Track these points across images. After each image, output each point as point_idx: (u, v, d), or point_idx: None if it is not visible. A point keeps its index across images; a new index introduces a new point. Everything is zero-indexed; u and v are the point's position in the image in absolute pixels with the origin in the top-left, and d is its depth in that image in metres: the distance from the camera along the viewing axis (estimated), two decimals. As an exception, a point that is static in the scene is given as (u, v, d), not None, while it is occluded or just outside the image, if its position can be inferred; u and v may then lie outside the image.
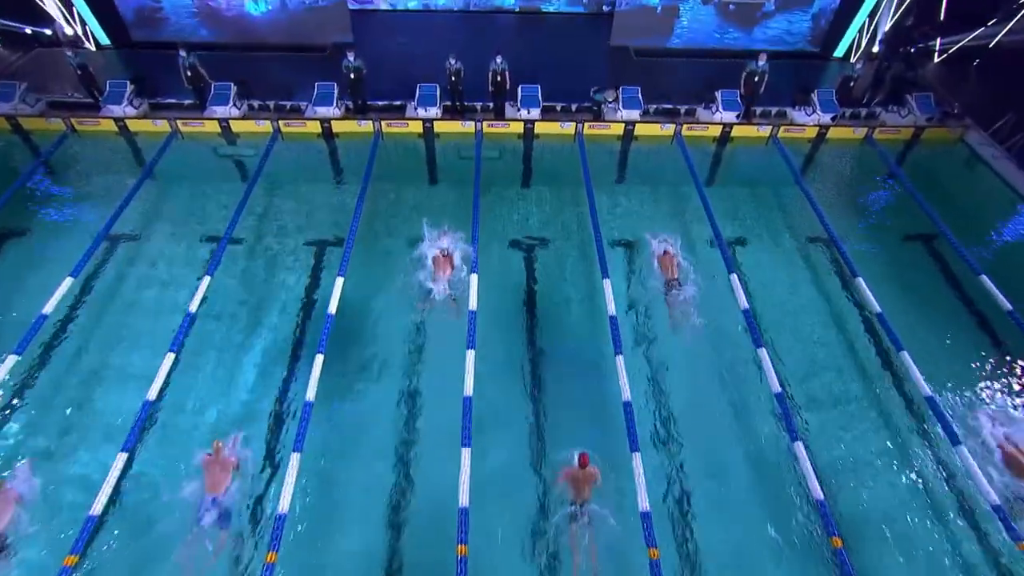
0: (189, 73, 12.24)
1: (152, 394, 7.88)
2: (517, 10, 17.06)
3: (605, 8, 16.88)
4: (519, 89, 12.69)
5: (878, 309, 9.25)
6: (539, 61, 14.71)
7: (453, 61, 12.18)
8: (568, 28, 16.66)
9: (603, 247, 9.98)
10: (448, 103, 12.88)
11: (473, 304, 8.95)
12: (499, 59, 12.07)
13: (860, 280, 9.73)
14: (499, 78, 12.25)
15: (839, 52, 15.54)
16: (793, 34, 15.44)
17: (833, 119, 13.04)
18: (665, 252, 9.91)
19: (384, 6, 16.94)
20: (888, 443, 8.08)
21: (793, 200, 11.70)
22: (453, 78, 12.35)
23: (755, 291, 9.86)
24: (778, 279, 10.24)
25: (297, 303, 9.49)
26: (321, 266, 10.09)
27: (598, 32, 16.00)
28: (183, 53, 12.11)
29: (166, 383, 8.14)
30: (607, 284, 9.37)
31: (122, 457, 7.25)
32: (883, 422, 8.32)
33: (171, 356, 8.25)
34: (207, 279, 9.31)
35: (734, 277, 9.64)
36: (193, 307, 8.94)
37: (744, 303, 9.26)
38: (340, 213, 10.86)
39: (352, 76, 12.27)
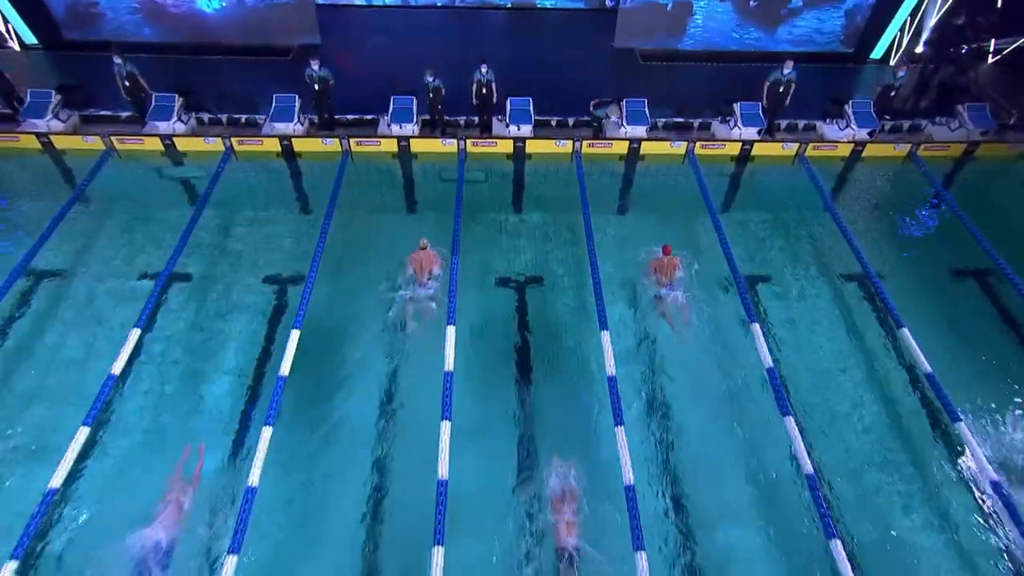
0: (127, 83, 11.70)
1: (57, 480, 7.04)
2: (509, 6, 16.67)
3: (608, 3, 16.45)
4: (507, 102, 12.22)
5: (928, 368, 8.58)
6: (532, 67, 14.34)
7: (431, 79, 11.67)
8: (566, 27, 16.26)
9: (601, 292, 9.40)
10: (427, 117, 12.41)
11: (449, 363, 8.32)
12: (484, 68, 11.60)
13: (905, 331, 9.08)
14: (484, 90, 11.78)
15: (877, 54, 15.05)
16: (824, 33, 14.93)
17: (871, 134, 12.50)
18: (663, 253, 9.62)
19: (358, 1, 16.52)
20: (940, 539, 7.37)
21: (823, 229, 11.25)
22: (432, 95, 11.89)
23: (780, 340, 9.36)
24: (806, 326, 9.67)
25: (248, 359, 8.85)
26: (281, 308, 9.60)
27: (600, 32, 15.60)
28: (118, 60, 11.54)
29: (79, 466, 7.38)
30: (605, 338, 8.77)
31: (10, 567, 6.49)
32: (937, 511, 7.59)
33: (85, 430, 7.49)
34: (135, 332, 8.67)
35: (756, 328, 9.05)
36: (118, 368, 8.24)
37: (768, 360, 8.65)
38: (303, 243, 10.40)
39: (316, 87, 11.78)
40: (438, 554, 6.59)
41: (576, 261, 10.43)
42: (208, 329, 9.26)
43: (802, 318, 9.79)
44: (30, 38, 14.32)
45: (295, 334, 8.64)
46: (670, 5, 14.58)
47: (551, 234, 10.99)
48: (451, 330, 8.78)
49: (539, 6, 16.70)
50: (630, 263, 10.28)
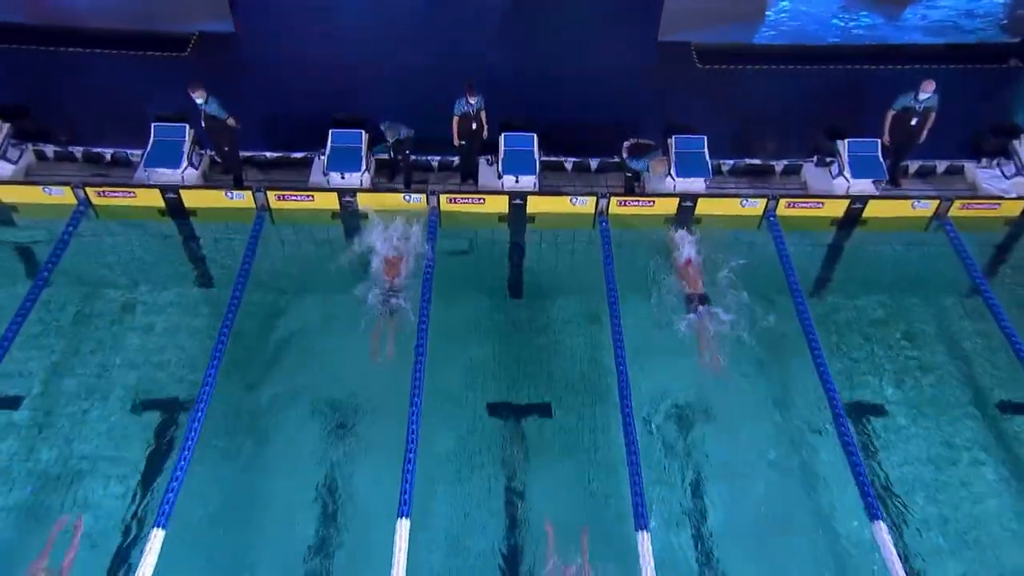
0: None
1: None
2: (509, -22, 15.25)
3: None
4: (501, 139, 10.83)
5: None
6: (538, 76, 13.19)
7: (400, 132, 10.49)
8: (589, 11, 15.07)
9: (636, 442, 8.25)
10: (385, 156, 11.01)
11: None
12: (473, 99, 10.33)
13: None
14: (474, 124, 10.47)
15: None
16: (976, 17, 13.79)
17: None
18: (688, 260, 9.80)
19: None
20: None
21: (975, 333, 10.12)
22: (393, 149, 10.72)
23: (912, 526, 8.12)
24: (947, 500, 8.43)
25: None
26: (160, 452, 8.55)
27: (638, 18, 14.34)
28: None
29: None
30: (643, 542, 7.50)
31: None
32: None
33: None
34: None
35: (880, 529, 7.62)
36: None
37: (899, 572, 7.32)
38: (196, 343, 9.50)
39: (204, 126, 10.40)
40: None
41: (601, 376, 9.42)
42: (46, 485, 8.18)
43: (939, 475, 8.71)
44: None
45: (158, 536, 7.30)
46: (743, -19, 13.19)
47: (562, 333, 10.07)
48: (403, 525, 7.55)
49: (551, -24, 15.25)
50: (673, 389, 9.34)
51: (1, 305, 9.61)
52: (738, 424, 9.25)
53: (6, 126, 10.87)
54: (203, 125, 10.43)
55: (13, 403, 9.06)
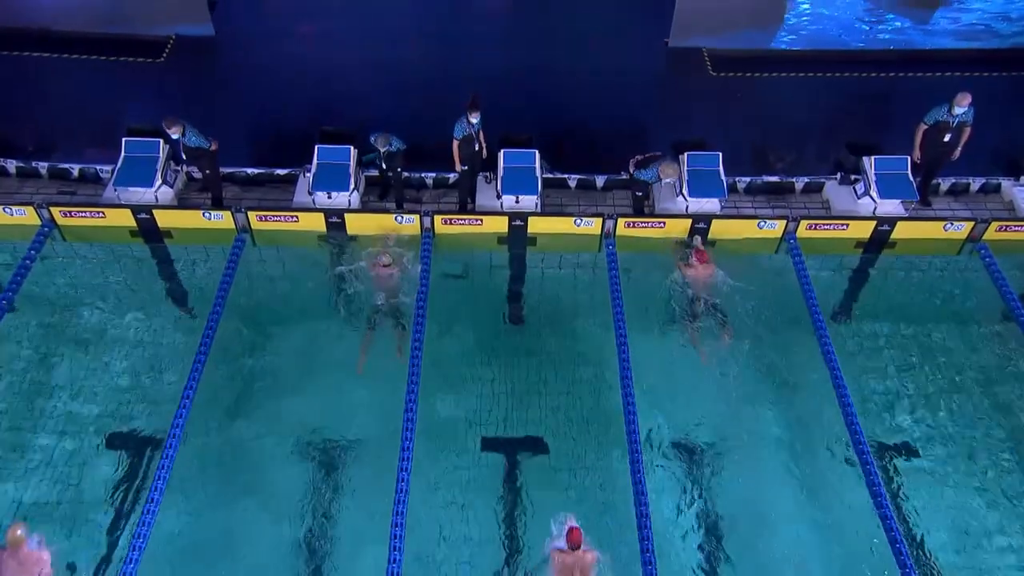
0: None
1: None
2: (511, -25, 14.69)
3: None
4: (500, 155, 10.18)
5: None
6: (540, 84, 12.86)
7: (391, 144, 10.09)
8: (595, 12, 14.62)
9: (645, 492, 7.81)
10: (376, 168, 10.51)
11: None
12: (475, 119, 9.86)
13: None
14: (475, 146, 10.02)
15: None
16: (1012, 21, 13.13)
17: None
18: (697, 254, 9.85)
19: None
20: None
21: (1012, 363, 9.62)
22: (385, 161, 10.21)
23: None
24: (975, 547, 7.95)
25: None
26: (130, 488, 8.12)
27: (647, 20, 13.91)
28: None
29: None
30: None
31: None
32: None
33: None
34: None
35: None
36: None
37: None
38: (170, 371, 9.13)
39: (185, 159, 10.11)
40: None
41: (605, 410, 9.00)
42: None
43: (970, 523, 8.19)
44: None
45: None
46: (760, -17, 12.49)
47: (565, 364, 9.60)
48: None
49: (555, -25, 14.66)
50: (683, 423, 8.91)
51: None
52: (753, 461, 8.81)
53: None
54: (183, 157, 10.01)
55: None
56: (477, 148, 10.25)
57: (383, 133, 10.03)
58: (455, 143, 9.90)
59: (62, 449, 8.50)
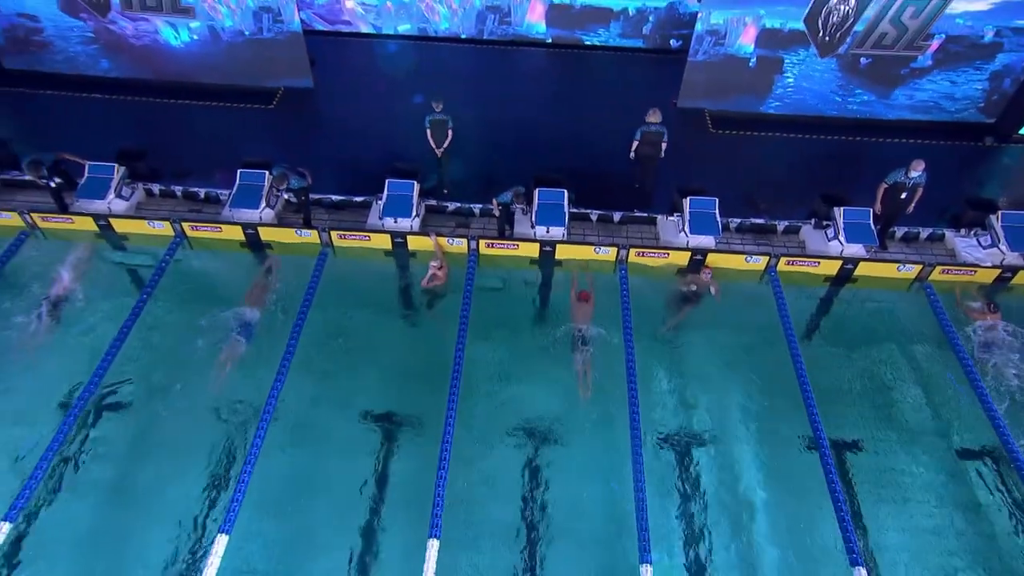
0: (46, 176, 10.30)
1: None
2: (549, 42, 14.79)
3: (673, 44, 14.47)
4: (536, 193, 10.49)
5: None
6: (570, 134, 12.74)
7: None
8: (617, 75, 14.66)
9: (643, 475, 7.81)
10: (432, 202, 10.90)
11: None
12: (520, 204, 10.30)
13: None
14: (516, 205, 10.36)
15: (1029, 129, 12.92)
16: (957, 100, 12.81)
17: (1028, 260, 10.41)
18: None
19: (365, 28, 14.86)
20: None
21: (946, 382, 9.48)
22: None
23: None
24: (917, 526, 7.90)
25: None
26: (234, 456, 8.24)
27: (660, 84, 13.74)
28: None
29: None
30: (646, 573, 7.11)
31: None
32: None
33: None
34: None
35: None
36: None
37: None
38: (261, 361, 9.11)
39: (292, 200, 10.51)
40: None
41: (612, 412, 8.89)
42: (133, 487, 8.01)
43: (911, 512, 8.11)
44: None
45: (222, 541, 7.12)
46: (754, 61, 12.50)
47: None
48: (433, 545, 7.14)
49: (586, 43, 14.71)
50: (679, 419, 8.95)
51: (111, 316, 9.54)
52: (732, 460, 8.70)
53: (122, 169, 10.84)
54: (289, 200, 10.53)
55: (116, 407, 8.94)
56: (513, 210, 10.55)
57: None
58: (496, 205, 10.27)
59: (185, 421, 8.69)
